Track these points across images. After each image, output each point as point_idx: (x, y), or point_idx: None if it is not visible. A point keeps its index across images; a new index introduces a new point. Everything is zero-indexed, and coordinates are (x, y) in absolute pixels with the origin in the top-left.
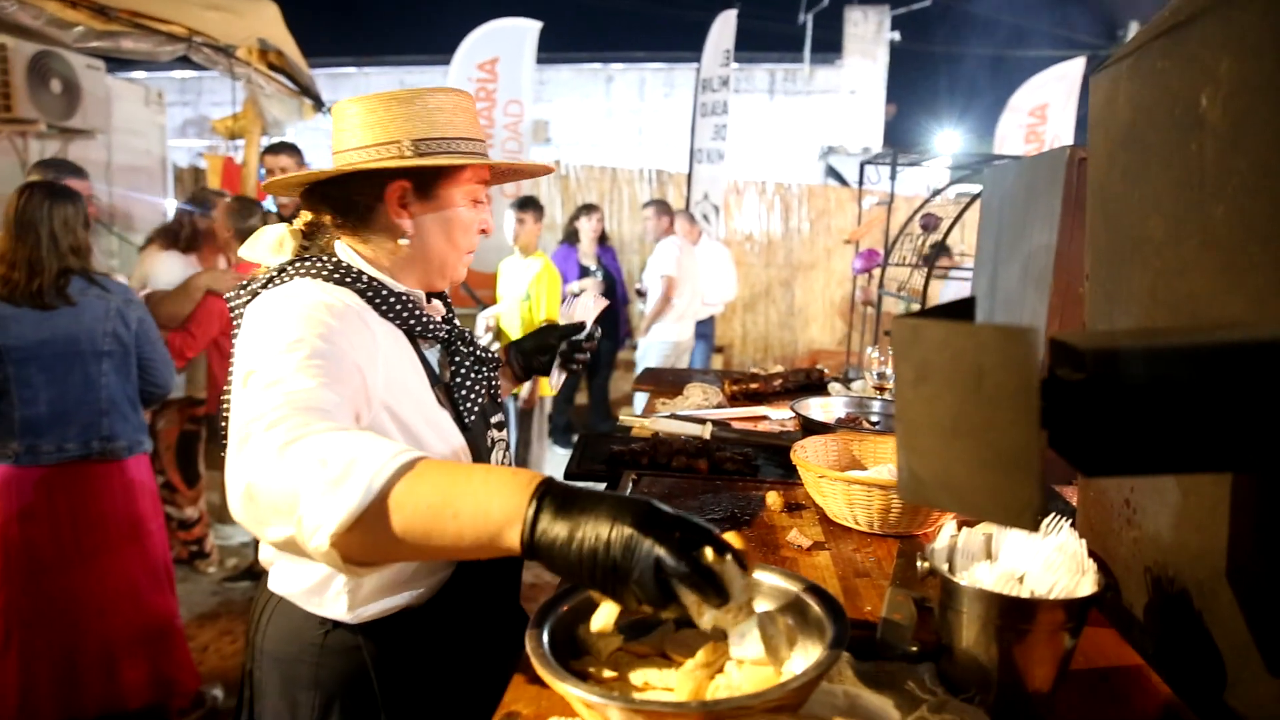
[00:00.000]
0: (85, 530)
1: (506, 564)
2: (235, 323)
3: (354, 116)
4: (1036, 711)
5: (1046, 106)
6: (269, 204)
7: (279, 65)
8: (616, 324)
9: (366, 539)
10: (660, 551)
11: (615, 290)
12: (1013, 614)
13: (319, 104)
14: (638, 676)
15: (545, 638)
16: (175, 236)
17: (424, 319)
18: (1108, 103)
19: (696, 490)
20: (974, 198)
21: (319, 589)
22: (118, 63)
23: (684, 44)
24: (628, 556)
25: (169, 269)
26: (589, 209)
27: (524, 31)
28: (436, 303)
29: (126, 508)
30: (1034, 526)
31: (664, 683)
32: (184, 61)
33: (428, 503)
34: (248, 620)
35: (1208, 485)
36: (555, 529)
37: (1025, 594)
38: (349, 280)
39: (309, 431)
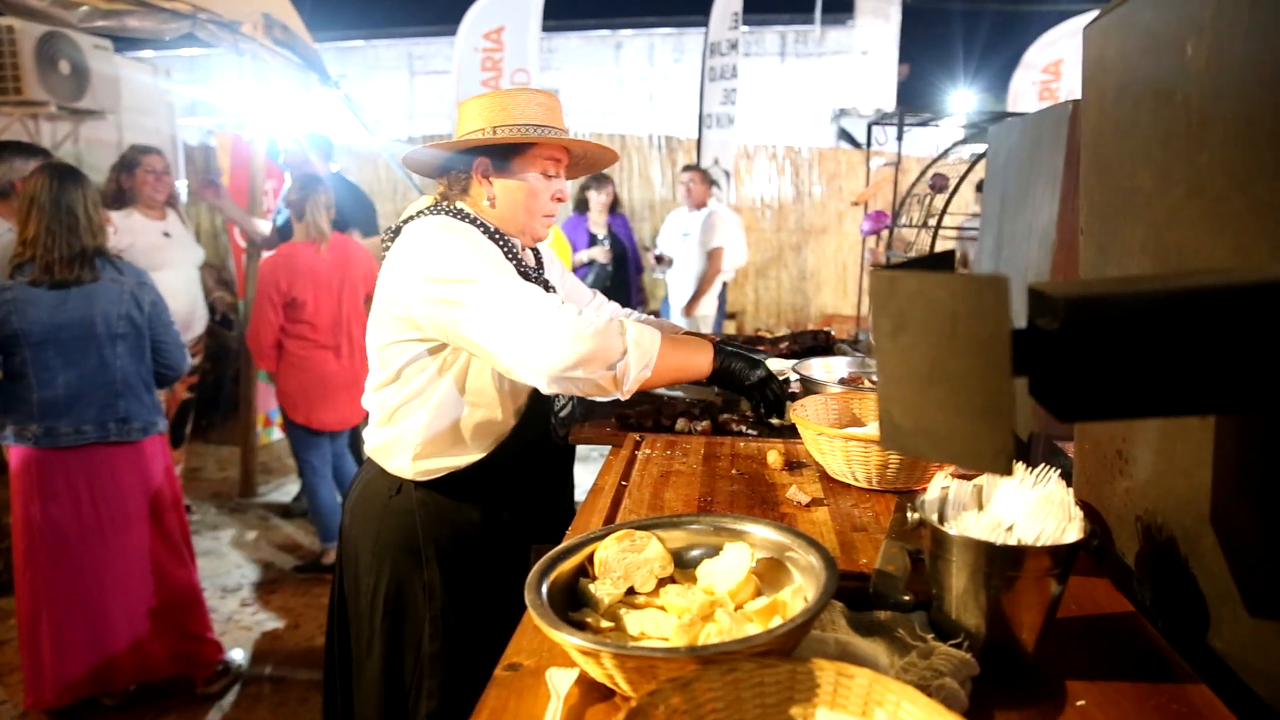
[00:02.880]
0: (104, 509)
1: (554, 465)
2: (382, 259)
3: (467, 111)
4: (1024, 657)
5: (1060, 62)
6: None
7: (284, 40)
8: (628, 292)
9: (647, 379)
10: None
11: (626, 258)
12: (1000, 561)
13: (325, 78)
14: (634, 627)
15: (544, 590)
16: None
17: (522, 260)
18: (1099, 55)
19: (700, 449)
20: (979, 156)
21: (398, 445)
22: (125, 42)
23: (694, 8)
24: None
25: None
26: (600, 179)
27: None
28: (529, 253)
29: (144, 486)
30: (1007, 470)
31: (660, 632)
32: (190, 39)
33: (676, 363)
34: (348, 491)
35: (1193, 432)
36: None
37: (1013, 542)
38: (469, 220)
39: (587, 316)
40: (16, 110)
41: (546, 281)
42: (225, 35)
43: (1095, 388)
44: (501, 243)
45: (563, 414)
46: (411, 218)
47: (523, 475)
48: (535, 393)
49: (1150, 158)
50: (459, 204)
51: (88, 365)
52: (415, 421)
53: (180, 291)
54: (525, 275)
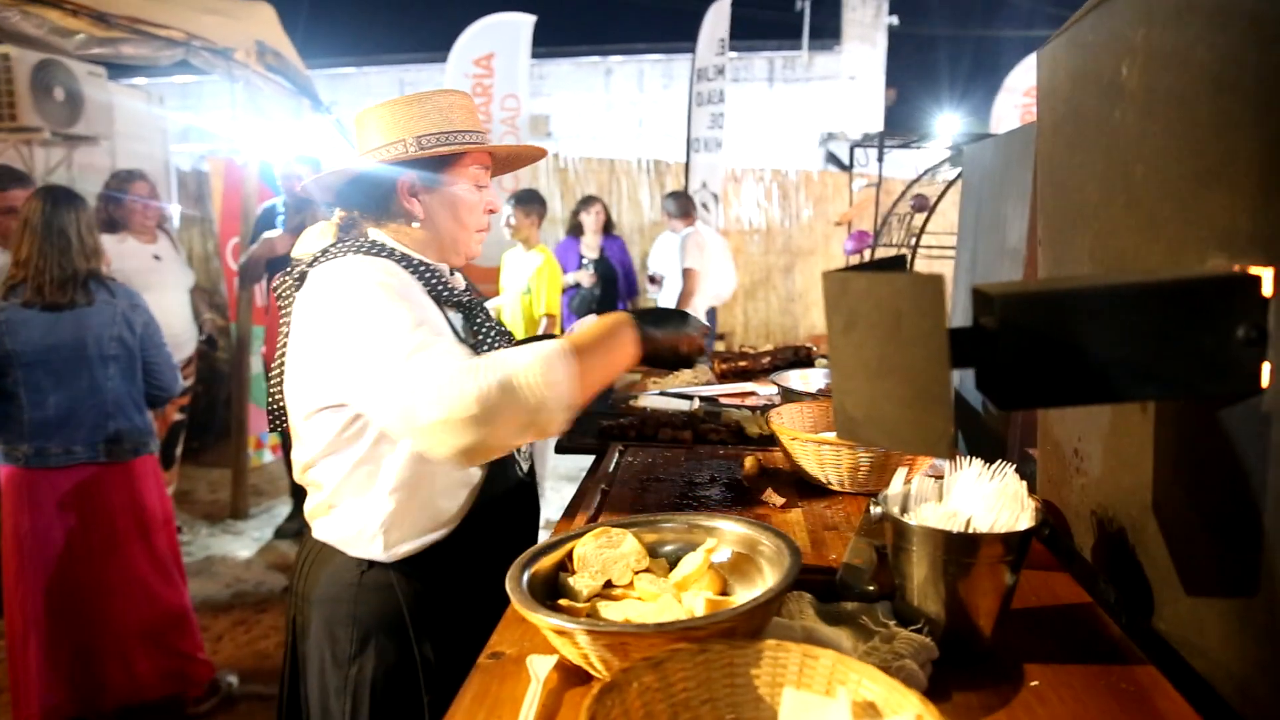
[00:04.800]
0: (94, 528)
1: (522, 499)
2: (283, 306)
3: (371, 121)
4: (982, 642)
5: None
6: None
7: (276, 67)
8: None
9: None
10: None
11: (616, 281)
12: (957, 549)
13: (317, 104)
14: (615, 615)
15: (524, 580)
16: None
17: (450, 286)
18: (1050, 77)
19: (680, 458)
20: (956, 177)
21: (359, 535)
22: (119, 69)
23: (683, 34)
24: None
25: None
26: (589, 201)
27: (518, 26)
28: (458, 276)
29: (134, 506)
30: (948, 454)
31: (640, 618)
32: (183, 66)
33: (600, 373)
34: (292, 570)
35: (1136, 427)
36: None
37: (969, 531)
38: (385, 254)
39: (493, 360)
40: (11, 136)
41: (480, 302)
42: (219, 62)
43: (1030, 377)
44: (427, 273)
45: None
46: (317, 258)
47: (504, 523)
48: None
49: (1095, 172)
50: (372, 233)
51: (79, 386)
52: (372, 503)
53: (170, 313)
54: (456, 301)
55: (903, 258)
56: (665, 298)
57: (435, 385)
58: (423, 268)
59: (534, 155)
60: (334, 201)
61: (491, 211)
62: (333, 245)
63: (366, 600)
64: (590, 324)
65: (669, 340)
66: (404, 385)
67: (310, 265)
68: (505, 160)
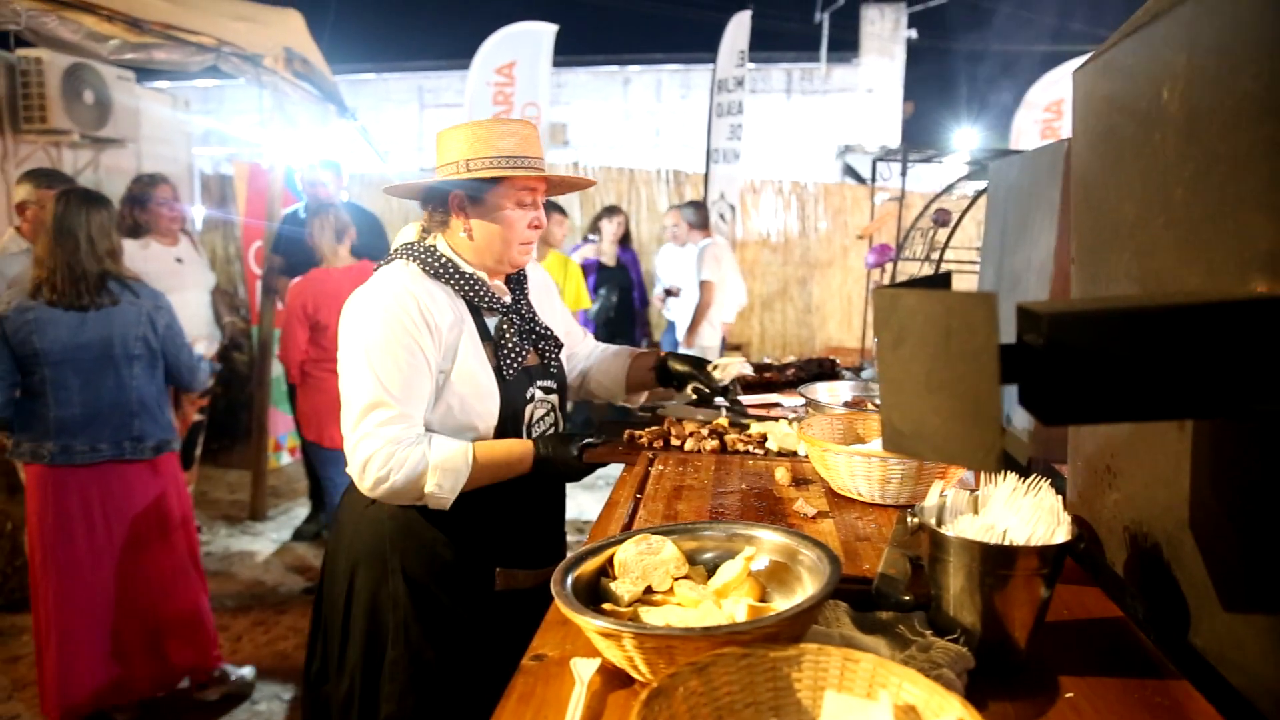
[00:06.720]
0: (116, 526)
1: (527, 482)
2: None
3: (442, 142)
4: (1017, 653)
5: (1061, 102)
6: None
7: (304, 73)
8: (632, 324)
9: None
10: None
11: (631, 290)
12: (994, 561)
13: (343, 110)
14: (656, 620)
15: (568, 583)
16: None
17: (485, 293)
18: (1087, 97)
19: (709, 467)
20: (980, 192)
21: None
22: (144, 73)
23: (700, 45)
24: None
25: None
26: (612, 210)
27: (540, 35)
28: (499, 283)
29: (155, 504)
30: (995, 467)
31: (682, 623)
32: (212, 71)
33: (492, 474)
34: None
35: (1172, 443)
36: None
37: (1005, 543)
38: (429, 262)
39: (415, 441)
40: (41, 139)
41: (520, 309)
42: (248, 68)
43: (1077, 394)
44: (465, 283)
45: (546, 431)
46: (387, 259)
47: (493, 500)
48: (501, 424)
49: (1132, 192)
50: (438, 239)
51: (105, 385)
52: None
53: (191, 315)
54: (491, 307)
55: (948, 275)
56: (682, 310)
57: (362, 457)
58: (460, 278)
59: (584, 185)
60: (421, 202)
61: (535, 228)
62: (401, 247)
63: (364, 532)
64: (500, 445)
65: (559, 457)
66: (349, 439)
67: (379, 265)
68: (558, 183)
